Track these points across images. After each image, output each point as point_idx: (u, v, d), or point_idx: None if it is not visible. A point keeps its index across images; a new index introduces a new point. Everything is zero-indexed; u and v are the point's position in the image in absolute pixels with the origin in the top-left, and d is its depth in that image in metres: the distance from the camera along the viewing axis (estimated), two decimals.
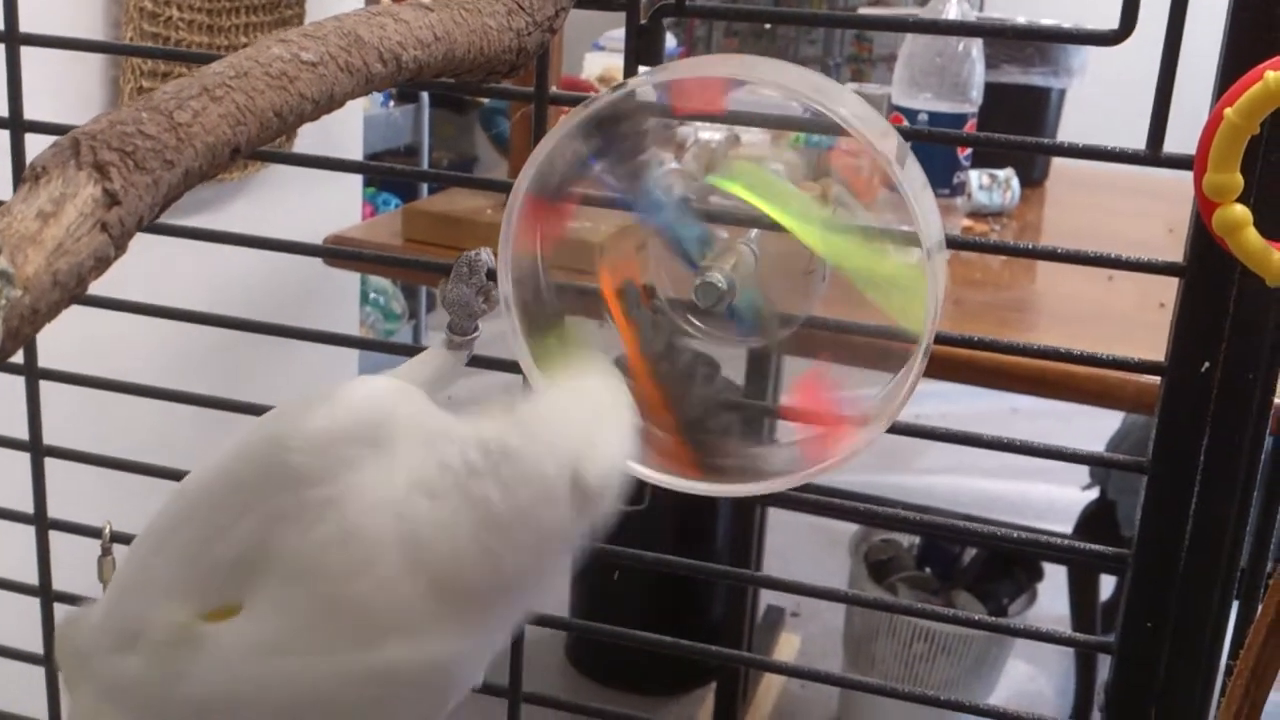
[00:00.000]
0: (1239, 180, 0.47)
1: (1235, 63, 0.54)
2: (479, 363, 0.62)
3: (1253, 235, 0.47)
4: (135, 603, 0.52)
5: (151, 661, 0.50)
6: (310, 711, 0.48)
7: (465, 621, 0.48)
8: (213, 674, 0.49)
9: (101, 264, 0.32)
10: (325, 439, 0.48)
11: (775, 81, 0.52)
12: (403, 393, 0.52)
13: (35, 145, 0.55)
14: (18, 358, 0.76)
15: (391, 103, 3.12)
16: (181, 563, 0.50)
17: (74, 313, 0.55)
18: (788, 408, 0.54)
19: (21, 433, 0.77)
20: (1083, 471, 1.99)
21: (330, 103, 0.39)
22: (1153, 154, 0.57)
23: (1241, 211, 0.47)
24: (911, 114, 1.41)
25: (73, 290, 0.31)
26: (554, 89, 0.65)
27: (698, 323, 0.58)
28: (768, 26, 3.88)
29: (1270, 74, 0.45)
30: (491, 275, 0.58)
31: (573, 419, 0.48)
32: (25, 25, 0.70)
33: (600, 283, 0.58)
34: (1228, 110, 0.46)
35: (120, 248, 0.32)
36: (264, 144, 0.37)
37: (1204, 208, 0.48)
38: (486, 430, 0.48)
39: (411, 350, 0.63)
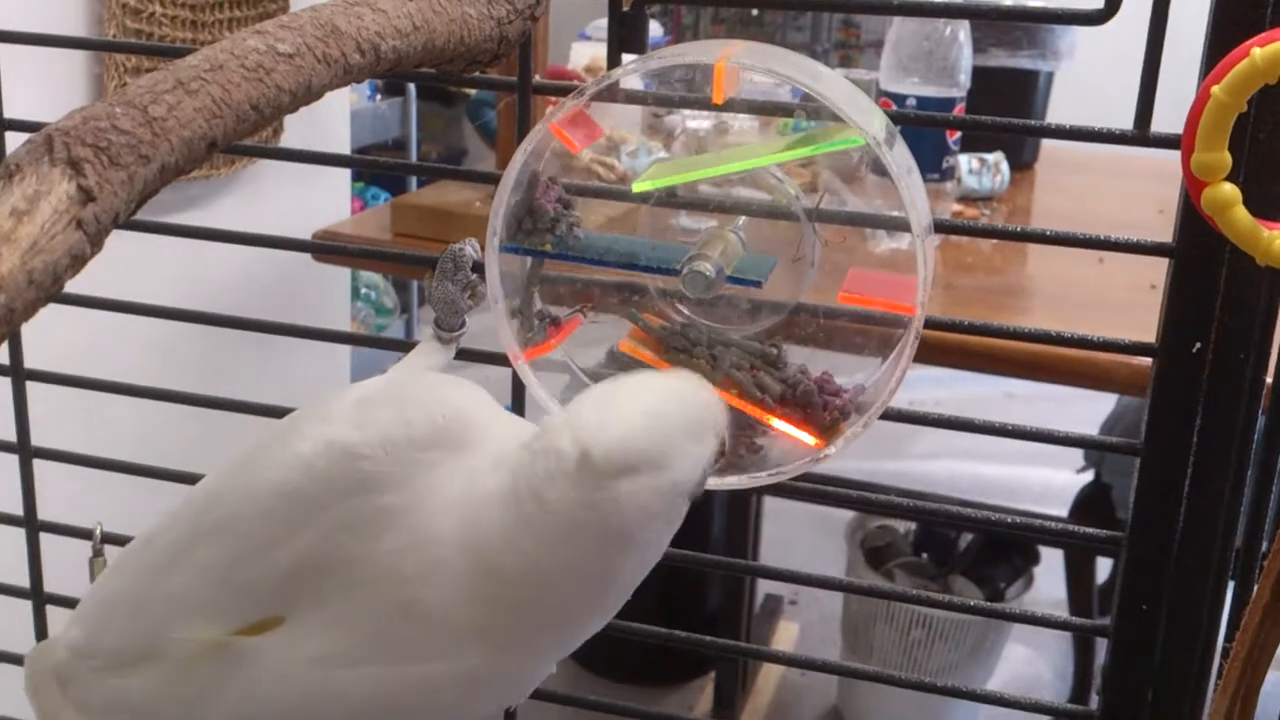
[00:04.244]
0: (1227, 159, 0.46)
1: (1221, 40, 0.53)
2: (467, 357, 0.62)
3: (1242, 214, 0.47)
4: (144, 620, 0.50)
5: (172, 679, 0.49)
6: (371, 717, 0.47)
7: (517, 628, 0.47)
8: (255, 688, 0.47)
9: (78, 262, 0.32)
10: (402, 444, 0.47)
11: (763, 65, 0.51)
12: (475, 394, 0.50)
13: (17, 144, 0.55)
14: (3, 359, 0.75)
15: (378, 96, 3.11)
16: (210, 579, 0.48)
17: (61, 313, 0.55)
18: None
19: (9, 435, 0.77)
20: (1078, 455, 1.99)
21: (308, 94, 0.38)
22: (1140, 133, 0.56)
23: (1230, 190, 0.47)
24: (899, 99, 1.41)
25: (48, 289, 0.31)
26: (539, 78, 0.65)
27: (686, 312, 0.58)
28: (755, 13, 3.87)
29: (1257, 50, 0.44)
30: (477, 269, 0.58)
31: (603, 401, 0.46)
32: (5, 23, 0.70)
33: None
34: (1215, 88, 0.46)
35: (96, 245, 0.32)
36: (241, 137, 0.36)
37: (1192, 187, 0.48)
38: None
39: (403, 345, 0.63)
